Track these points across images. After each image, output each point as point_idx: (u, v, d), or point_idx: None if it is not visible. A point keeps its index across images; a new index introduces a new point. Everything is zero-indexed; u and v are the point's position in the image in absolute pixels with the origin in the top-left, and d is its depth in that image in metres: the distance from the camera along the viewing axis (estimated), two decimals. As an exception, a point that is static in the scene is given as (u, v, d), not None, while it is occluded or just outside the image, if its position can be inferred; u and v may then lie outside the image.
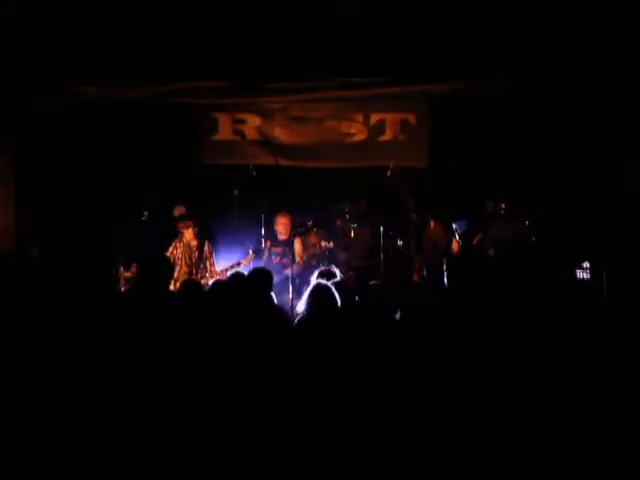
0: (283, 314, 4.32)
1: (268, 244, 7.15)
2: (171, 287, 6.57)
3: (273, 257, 7.11)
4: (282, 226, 7.11)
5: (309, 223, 8.22)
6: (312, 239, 7.90)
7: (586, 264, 7.18)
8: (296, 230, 7.59)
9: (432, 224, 8.14)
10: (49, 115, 8.01)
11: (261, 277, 4.39)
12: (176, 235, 7.40)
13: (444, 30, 7.48)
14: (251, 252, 7.74)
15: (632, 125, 7.51)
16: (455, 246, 7.77)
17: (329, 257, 7.89)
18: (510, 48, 7.54)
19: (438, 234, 8.07)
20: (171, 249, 6.94)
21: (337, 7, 7.31)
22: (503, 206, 7.83)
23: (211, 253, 6.98)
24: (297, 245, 7.12)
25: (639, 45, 7.11)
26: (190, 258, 6.94)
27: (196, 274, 6.86)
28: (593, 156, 7.71)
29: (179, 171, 8.57)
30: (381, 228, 8.03)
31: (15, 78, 7.55)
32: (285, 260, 7.05)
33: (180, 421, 3.03)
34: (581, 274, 7.18)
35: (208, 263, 6.95)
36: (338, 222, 8.52)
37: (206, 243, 6.98)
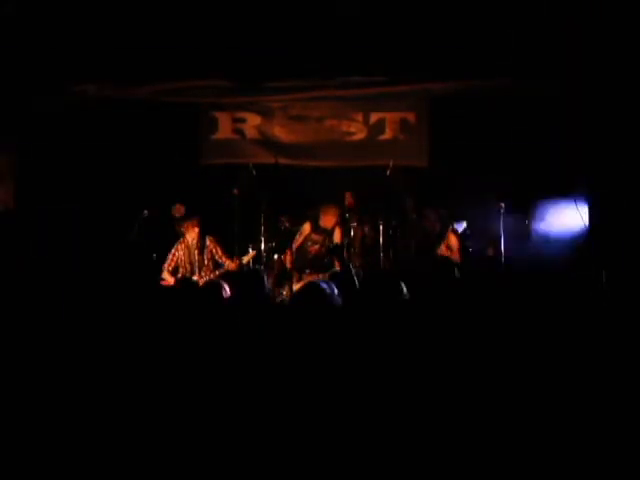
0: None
1: (309, 227, 6.93)
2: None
3: (310, 244, 6.84)
4: (328, 217, 6.86)
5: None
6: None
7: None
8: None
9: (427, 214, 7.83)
10: (49, 114, 8.01)
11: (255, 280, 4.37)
12: (176, 234, 7.41)
13: (444, 29, 7.48)
14: (251, 250, 7.77)
15: (633, 124, 7.51)
16: (453, 241, 7.44)
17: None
18: (510, 47, 7.54)
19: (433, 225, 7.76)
20: (173, 251, 6.92)
21: (337, 6, 7.31)
22: (502, 205, 7.82)
23: (216, 246, 6.90)
24: (337, 235, 6.85)
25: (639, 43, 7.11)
26: (191, 258, 6.92)
27: (199, 273, 6.85)
28: (593, 155, 7.71)
29: (179, 170, 8.58)
30: (380, 227, 8.06)
31: (15, 78, 7.55)
32: (323, 250, 6.83)
33: (175, 419, 3.04)
34: None
35: (217, 256, 6.86)
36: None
37: (207, 239, 6.92)
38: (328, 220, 6.75)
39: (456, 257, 6.99)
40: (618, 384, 3.23)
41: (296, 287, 6.11)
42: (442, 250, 6.99)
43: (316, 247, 6.72)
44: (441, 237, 7.00)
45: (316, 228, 6.76)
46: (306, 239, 6.72)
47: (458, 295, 4.38)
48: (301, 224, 8.16)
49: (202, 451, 2.91)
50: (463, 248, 7.19)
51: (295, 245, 6.78)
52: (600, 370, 3.36)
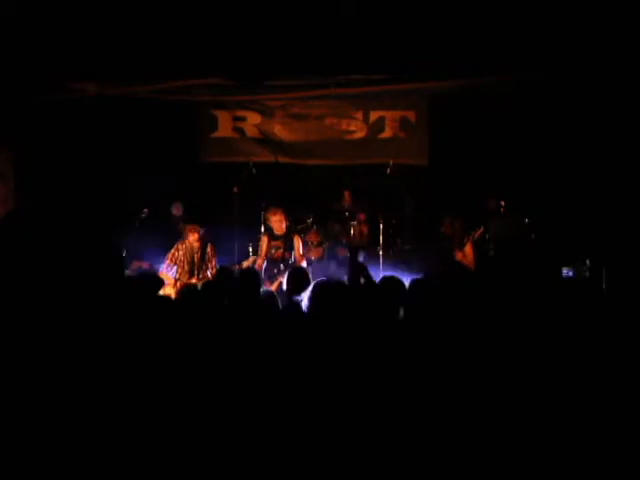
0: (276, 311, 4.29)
1: (267, 239, 7.10)
2: (171, 288, 6.68)
3: (273, 251, 7.05)
4: (277, 223, 7.04)
5: (309, 221, 8.27)
6: (312, 237, 7.93)
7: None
8: (295, 228, 7.58)
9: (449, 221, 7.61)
10: (49, 112, 8.02)
11: (249, 278, 4.40)
12: (176, 233, 7.41)
13: (443, 28, 7.46)
14: (251, 250, 7.80)
15: (631, 122, 7.51)
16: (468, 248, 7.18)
17: (329, 255, 7.97)
18: (509, 46, 7.52)
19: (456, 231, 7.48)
20: (173, 251, 6.91)
21: (337, 5, 7.29)
22: (503, 204, 7.82)
23: (214, 256, 6.96)
24: (296, 243, 7.07)
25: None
26: (192, 259, 6.93)
27: (197, 275, 6.85)
28: (593, 153, 7.71)
29: (179, 168, 8.59)
30: (380, 225, 8.07)
31: (16, 75, 7.54)
32: (287, 254, 7.00)
33: (178, 420, 3.05)
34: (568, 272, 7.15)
35: (210, 265, 6.93)
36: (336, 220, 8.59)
37: (209, 245, 6.95)
38: (277, 225, 6.97)
39: (470, 263, 7.02)
40: (618, 383, 3.24)
41: (274, 288, 6.32)
42: (458, 256, 7.06)
43: (280, 252, 6.98)
44: (460, 245, 7.08)
45: (273, 237, 6.99)
46: (269, 248, 6.96)
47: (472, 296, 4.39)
48: (301, 223, 8.21)
49: (198, 442, 2.93)
50: (478, 255, 7.22)
51: (260, 258, 7.01)
52: (599, 369, 3.37)
